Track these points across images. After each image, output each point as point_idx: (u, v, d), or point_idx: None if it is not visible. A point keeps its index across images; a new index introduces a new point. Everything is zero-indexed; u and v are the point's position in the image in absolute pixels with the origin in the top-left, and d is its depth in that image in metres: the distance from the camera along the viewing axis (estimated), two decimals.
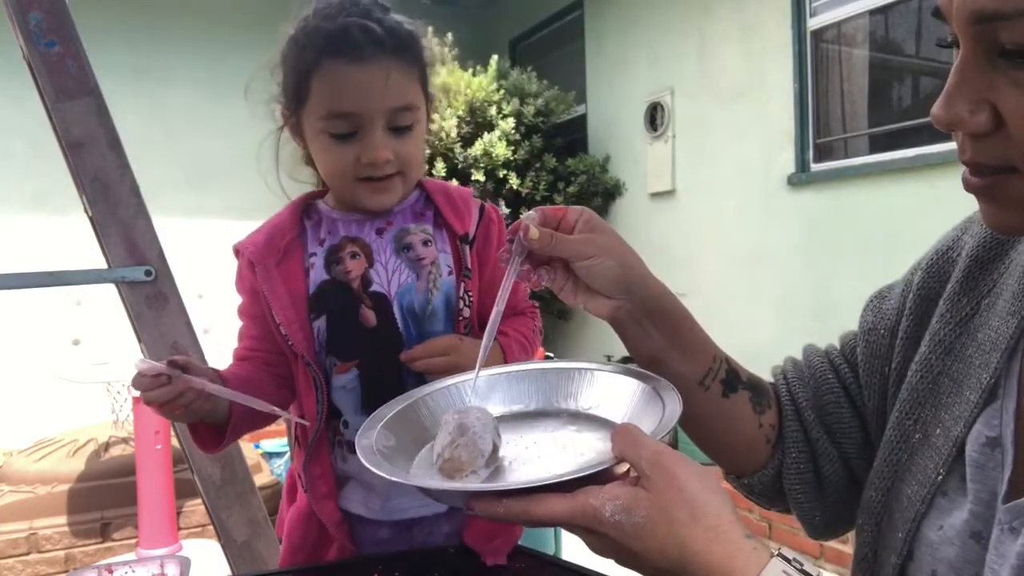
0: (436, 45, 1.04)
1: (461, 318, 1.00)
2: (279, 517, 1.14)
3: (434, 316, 1.00)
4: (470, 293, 1.01)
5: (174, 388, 0.82)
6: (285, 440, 4.37)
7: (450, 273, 1.01)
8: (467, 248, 1.02)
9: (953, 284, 0.67)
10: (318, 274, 1.00)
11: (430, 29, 1.05)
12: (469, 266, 1.01)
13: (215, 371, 0.94)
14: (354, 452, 1.00)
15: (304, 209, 1.05)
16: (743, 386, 0.78)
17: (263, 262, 0.98)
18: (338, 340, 0.99)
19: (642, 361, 0.75)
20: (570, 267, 0.71)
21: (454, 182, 4.72)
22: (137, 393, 3.06)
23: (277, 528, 1.15)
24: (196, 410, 0.86)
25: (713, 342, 0.78)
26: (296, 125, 1.00)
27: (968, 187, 0.55)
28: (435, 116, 1.07)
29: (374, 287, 0.99)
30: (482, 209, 1.06)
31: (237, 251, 1.03)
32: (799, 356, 0.85)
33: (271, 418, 0.92)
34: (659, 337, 0.74)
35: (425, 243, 1.02)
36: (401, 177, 0.98)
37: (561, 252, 0.69)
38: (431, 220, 1.04)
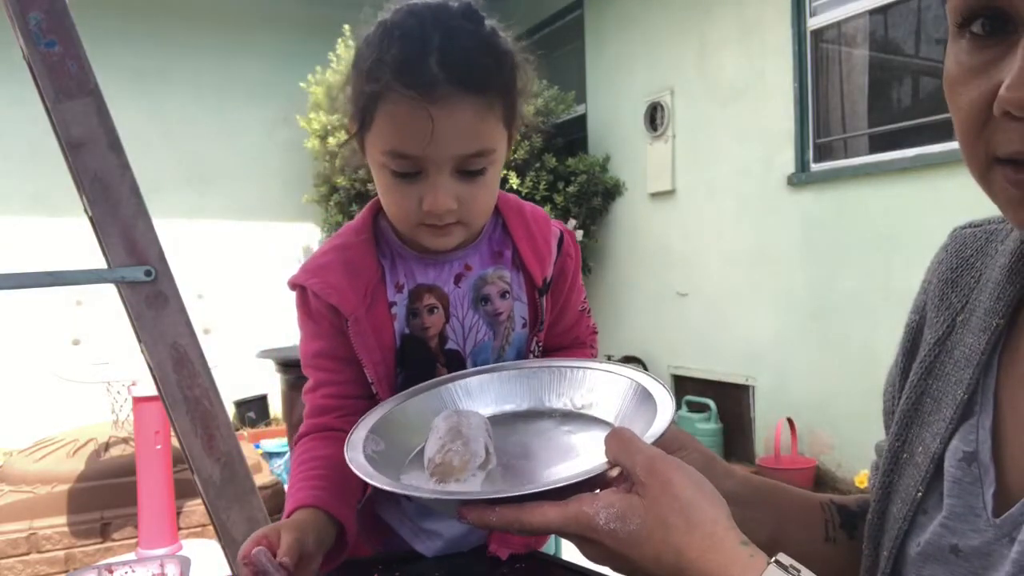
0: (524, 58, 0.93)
1: None
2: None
3: None
4: (540, 344, 0.98)
5: None
6: (285, 440, 4.37)
7: (524, 326, 0.97)
8: (543, 298, 0.96)
9: (930, 309, 0.67)
10: (401, 325, 0.94)
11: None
12: (544, 318, 0.97)
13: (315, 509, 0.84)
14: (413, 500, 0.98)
15: (376, 242, 0.95)
16: (860, 516, 0.74)
17: (354, 312, 0.90)
18: None
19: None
20: None
21: None
22: (137, 393, 3.00)
23: None
24: None
25: (812, 493, 0.76)
26: (361, 144, 0.90)
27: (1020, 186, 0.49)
28: None
29: (449, 344, 0.95)
30: (560, 241, 0.99)
31: (302, 287, 0.92)
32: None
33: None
34: (764, 520, 0.72)
35: (503, 294, 0.96)
36: (463, 226, 0.88)
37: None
38: (508, 262, 0.97)
